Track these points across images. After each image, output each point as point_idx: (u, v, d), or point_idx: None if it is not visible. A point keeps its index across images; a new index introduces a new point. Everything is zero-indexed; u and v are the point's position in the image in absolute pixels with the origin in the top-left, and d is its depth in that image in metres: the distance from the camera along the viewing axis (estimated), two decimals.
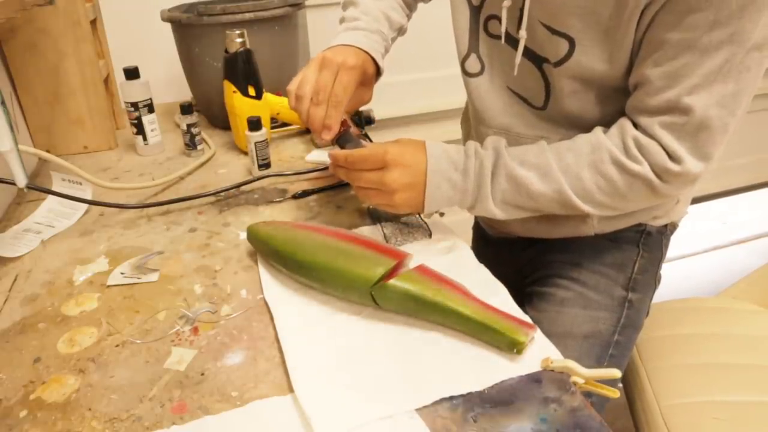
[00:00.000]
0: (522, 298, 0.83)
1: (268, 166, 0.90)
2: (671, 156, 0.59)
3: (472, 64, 0.75)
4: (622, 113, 0.66)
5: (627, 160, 0.60)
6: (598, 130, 0.64)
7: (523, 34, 0.65)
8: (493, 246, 0.91)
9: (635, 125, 0.62)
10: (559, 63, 0.65)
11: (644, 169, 0.60)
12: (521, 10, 0.65)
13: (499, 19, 0.69)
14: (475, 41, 0.74)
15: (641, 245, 0.80)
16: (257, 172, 0.89)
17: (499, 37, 0.71)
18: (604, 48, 0.61)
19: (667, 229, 0.83)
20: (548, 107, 0.70)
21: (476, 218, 1.02)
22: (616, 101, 0.66)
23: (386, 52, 0.80)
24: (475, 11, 0.73)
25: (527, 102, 0.72)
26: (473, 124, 0.81)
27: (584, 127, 0.68)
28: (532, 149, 0.64)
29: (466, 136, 0.92)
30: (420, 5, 0.91)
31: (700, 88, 0.56)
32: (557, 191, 0.62)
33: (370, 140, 1.05)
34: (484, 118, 0.76)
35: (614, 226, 0.77)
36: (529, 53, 0.68)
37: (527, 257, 0.87)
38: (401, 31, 0.85)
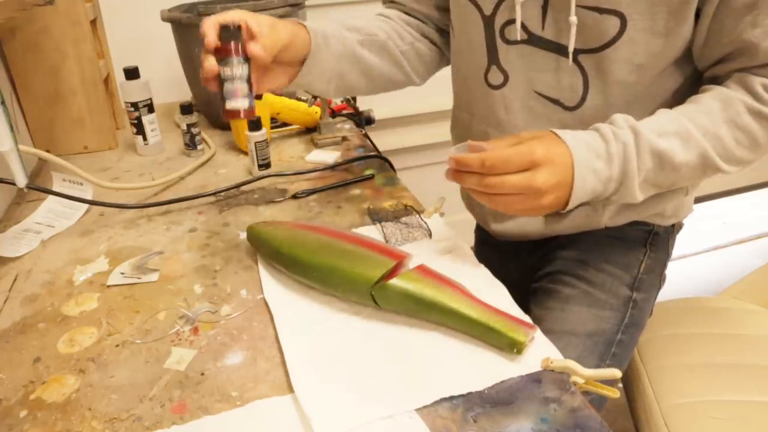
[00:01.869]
0: (527, 295, 0.82)
1: (268, 166, 0.90)
2: None
3: (495, 76, 0.72)
4: (663, 96, 0.65)
5: (765, 107, 0.59)
6: (716, 87, 0.61)
7: (573, 20, 0.61)
8: (497, 250, 0.89)
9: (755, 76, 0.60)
10: (607, 45, 0.61)
11: None
12: (546, 2, 0.64)
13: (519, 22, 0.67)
14: (493, 52, 0.71)
15: (648, 245, 0.80)
16: (257, 172, 0.89)
17: (518, 43, 0.68)
18: (658, 19, 0.58)
19: (674, 229, 0.83)
20: (583, 106, 0.67)
21: (479, 221, 1.01)
22: (663, 83, 0.64)
23: (333, 37, 0.74)
24: (489, 20, 0.70)
25: (559, 103, 0.69)
26: (492, 135, 0.76)
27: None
28: (663, 118, 0.61)
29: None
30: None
31: None
32: (701, 155, 0.60)
33: (370, 140, 1.05)
34: (509, 128, 0.73)
35: (626, 218, 0.75)
36: (560, 48, 0.65)
37: (533, 259, 0.86)
38: (373, 42, 0.78)
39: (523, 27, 0.67)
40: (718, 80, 0.63)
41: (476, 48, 0.73)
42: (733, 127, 0.60)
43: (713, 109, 0.60)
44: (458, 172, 0.58)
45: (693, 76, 0.66)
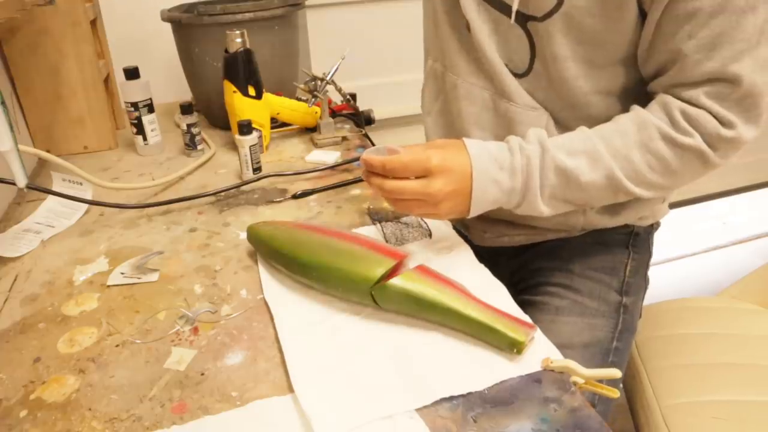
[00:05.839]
0: None
1: (261, 169, 0.90)
2: (723, 122, 0.58)
3: (461, 19, 0.71)
4: (608, 97, 0.65)
5: (677, 134, 0.59)
6: (637, 108, 0.62)
7: None
8: (477, 256, 0.88)
9: (677, 98, 0.60)
10: (547, 15, 0.61)
11: (696, 141, 0.58)
12: None
13: None
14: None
15: (631, 246, 0.79)
16: (250, 177, 0.88)
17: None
18: (594, 1, 0.59)
19: (653, 228, 0.83)
20: (531, 74, 0.67)
21: (455, 228, 0.99)
22: (606, 79, 0.64)
23: None
24: None
25: (508, 68, 0.69)
26: (461, 84, 0.75)
27: (567, 101, 0.66)
28: (576, 136, 0.62)
29: (428, 113, 0.86)
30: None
31: (745, 54, 0.55)
32: (608, 177, 0.60)
33: (370, 140, 1.05)
34: (476, 75, 0.72)
35: (602, 224, 0.76)
36: (511, 12, 0.65)
37: (514, 267, 0.85)
38: None
39: None
40: (653, 97, 0.64)
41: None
42: (645, 152, 0.60)
43: (628, 132, 0.60)
44: (367, 172, 0.62)
45: (639, 88, 0.66)
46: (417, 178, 0.59)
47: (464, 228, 0.88)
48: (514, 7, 0.63)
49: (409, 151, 0.61)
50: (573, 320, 0.75)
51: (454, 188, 0.60)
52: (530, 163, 0.60)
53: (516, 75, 0.68)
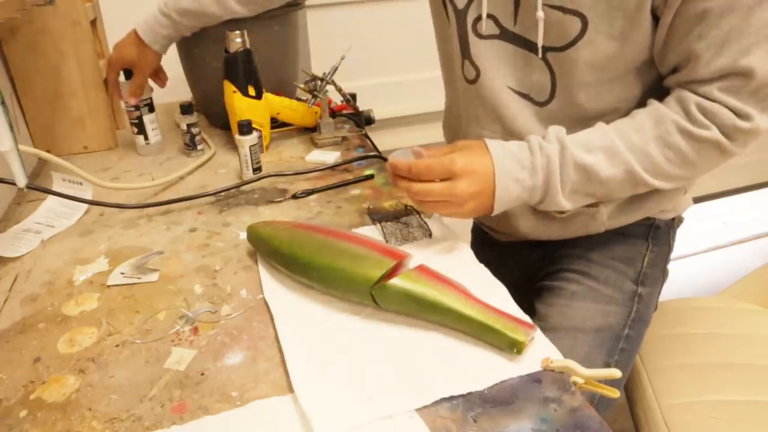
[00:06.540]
0: (531, 294, 0.83)
1: (261, 169, 0.90)
2: (739, 115, 0.59)
3: (468, 71, 0.74)
4: (631, 100, 0.66)
5: (694, 127, 0.60)
6: (655, 103, 0.63)
7: (540, 15, 0.62)
8: (497, 249, 0.89)
9: (693, 93, 0.61)
10: (570, 45, 0.63)
11: (713, 133, 0.60)
12: None
13: (491, 17, 0.68)
14: (465, 46, 0.72)
15: (650, 239, 0.80)
16: (250, 176, 0.88)
17: (490, 37, 0.69)
18: (615, 24, 0.60)
19: (674, 223, 0.83)
20: (553, 101, 0.69)
21: (476, 222, 1.01)
22: (627, 86, 0.65)
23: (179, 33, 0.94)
24: (461, 15, 0.71)
25: (529, 98, 0.71)
26: (472, 129, 0.78)
27: (590, 115, 0.67)
28: (594, 133, 0.63)
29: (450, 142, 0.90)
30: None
31: (755, 46, 0.56)
32: (627, 171, 0.62)
33: (370, 140, 1.05)
34: (486, 123, 0.75)
35: (624, 221, 0.77)
36: (530, 44, 0.66)
37: (534, 257, 0.87)
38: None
39: (495, 22, 0.68)
40: (670, 92, 0.65)
41: (452, 42, 0.75)
42: (662, 146, 0.61)
43: (645, 127, 0.62)
44: (394, 175, 0.65)
45: (658, 85, 0.67)
46: (442, 180, 0.62)
47: (487, 224, 0.91)
48: (540, 43, 0.65)
49: (434, 154, 0.63)
50: (587, 305, 0.76)
51: (477, 189, 0.62)
52: (550, 161, 0.62)
53: (538, 104, 0.70)
